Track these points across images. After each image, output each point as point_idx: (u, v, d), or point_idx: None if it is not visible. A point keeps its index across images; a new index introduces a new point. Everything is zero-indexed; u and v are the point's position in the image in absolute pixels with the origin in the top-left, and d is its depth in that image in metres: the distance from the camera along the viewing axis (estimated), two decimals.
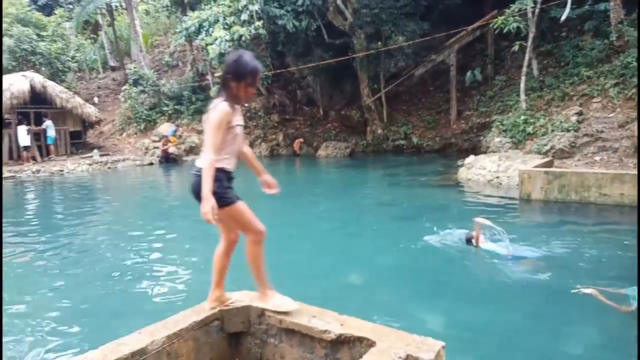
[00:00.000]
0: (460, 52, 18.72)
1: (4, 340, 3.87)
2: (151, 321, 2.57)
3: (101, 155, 19.42)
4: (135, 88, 22.52)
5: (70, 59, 24.52)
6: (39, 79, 19.02)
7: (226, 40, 17.01)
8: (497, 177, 10.61)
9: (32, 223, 9.16)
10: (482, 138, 15.05)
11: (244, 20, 17.42)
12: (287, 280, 2.76)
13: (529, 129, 12.34)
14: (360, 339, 2.32)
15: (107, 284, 5.27)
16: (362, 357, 2.14)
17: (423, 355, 2.09)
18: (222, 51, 16.89)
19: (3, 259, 6.28)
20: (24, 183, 14.94)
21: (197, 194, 2.47)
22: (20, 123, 18.06)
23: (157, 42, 31.26)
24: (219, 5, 18.30)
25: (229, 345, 2.78)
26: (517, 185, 9.33)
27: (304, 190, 11.90)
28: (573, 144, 10.82)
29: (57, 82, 21.00)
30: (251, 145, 19.85)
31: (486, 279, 5.07)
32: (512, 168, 10.33)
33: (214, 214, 2.37)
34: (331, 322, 2.47)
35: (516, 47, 13.47)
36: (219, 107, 2.51)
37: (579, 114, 11.64)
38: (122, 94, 23.15)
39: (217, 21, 17.86)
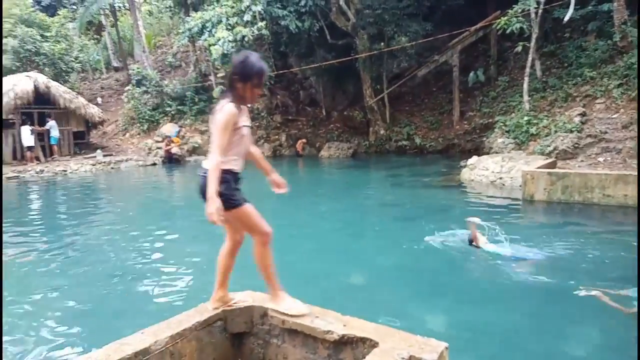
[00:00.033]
0: (463, 52, 18.69)
1: (8, 339, 3.89)
2: (154, 321, 2.58)
3: (104, 156, 19.45)
4: (138, 88, 22.57)
5: (73, 60, 24.61)
6: (42, 80, 19.09)
7: (229, 41, 17.04)
8: (500, 178, 10.59)
9: (36, 223, 9.19)
10: (485, 139, 15.03)
11: (247, 21, 17.45)
12: (289, 280, 2.76)
13: (532, 130, 12.31)
14: (363, 340, 2.32)
15: (110, 284, 5.29)
16: (365, 357, 2.15)
17: (426, 356, 2.09)
18: (225, 52, 16.92)
19: (7, 259, 6.31)
20: (28, 183, 15.00)
21: (204, 194, 2.47)
22: (24, 123, 18.12)
23: (160, 42, 31.33)
24: (222, 6, 18.34)
25: (232, 346, 2.78)
26: (520, 186, 9.31)
27: (306, 191, 11.90)
28: (576, 145, 10.79)
29: (60, 83, 21.06)
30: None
31: (488, 280, 5.06)
32: (515, 169, 10.31)
33: (220, 215, 2.38)
34: (334, 323, 2.47)
35: (519, 48, 13.45)
36: (225, 108, 2.51)
37: (583, 114, 11.61)
38: (125, 94, 23.20)
39: (220, 22, 17.90)
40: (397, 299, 4.71)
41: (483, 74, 17.86)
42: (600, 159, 10.26)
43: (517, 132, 12.73)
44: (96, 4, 26.05)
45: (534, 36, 13.15)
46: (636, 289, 4.11)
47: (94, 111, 20.81)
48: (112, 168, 18.33)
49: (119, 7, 28.81)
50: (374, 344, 2.25)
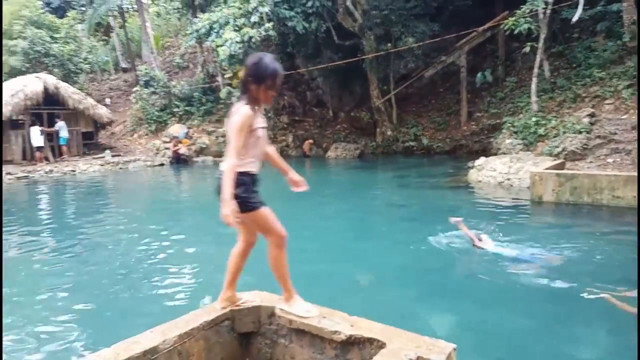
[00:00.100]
0: (471, 53, 18.62)
1: (16, 337, 3.93)
2: (162, 320, 2.59)
3: (113, 156, 19.59)
4: (146, 89, 22.71)
5: (82, 61, 24.81)
6: (52, 81, 19.27)
7: (236, 42, 17.10)
8: (508, 179, 10.53)
9: (44, 222, 9.28)
10: (492, 140, 14.94)
11: (254, 22, 17.50)
12: (295, 280, 2.77)
13: (541, 131, 12.23)
14: (370, 340, 2.32)
15: (117, 283, 5.32)
16: (372, 358, 2.15)
17: (434, 357, 2.08)
18: (232, 53, 16.99)
19: (16, 257, 6.38)
20: (37, 183, 15.14)
21: None
22: (33, 124, 18.30)
23: (168, 43, 31.49)
24: (229, 7, 18.40)
25: (240, 345, 2.80)
26: (528, 187, 9.25)
27: (313, 191, 11.80)
28: (585, 146, 10.71)
29: (69, 84, 21.22)
30: None
31: (494, 281, 5.03)
32: (523, 170, 10.25)
33: (235, 217, 2.40)
34: (341, 323, 2.48)
35: (527, 49, 13.36)
36: (240, 111, 2.53)
37: (591, 115, 11.52)
38: (133, 95, 23.34)
39: (227, 23, 17.97)
40: (403, 300, 4.70)
41: (491, 74, 17.76)
42: (610, 160, 10.17)
43: (525, 133, 12.65)
44: (105, 5, 26.27)
45: (542, 37, 13.07)
46: None
47: (102, 112, 20.97)
48: (120, 168, 18.45)
49: (128, 8, 29.04)
50: (381, 345, 2.25)
